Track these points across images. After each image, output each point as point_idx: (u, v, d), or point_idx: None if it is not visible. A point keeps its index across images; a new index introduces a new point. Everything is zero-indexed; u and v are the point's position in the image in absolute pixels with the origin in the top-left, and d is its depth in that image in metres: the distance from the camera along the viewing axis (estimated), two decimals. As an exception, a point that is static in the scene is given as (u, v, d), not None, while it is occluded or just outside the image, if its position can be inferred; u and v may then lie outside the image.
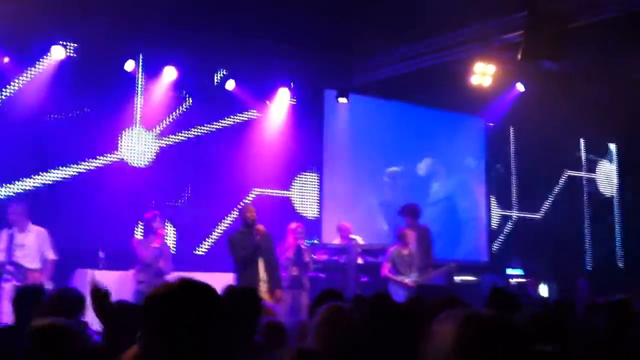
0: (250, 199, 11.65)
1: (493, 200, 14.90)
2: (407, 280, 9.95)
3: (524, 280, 12.62)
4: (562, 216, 15.38)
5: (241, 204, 10.92)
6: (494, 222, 14.88)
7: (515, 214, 15.24)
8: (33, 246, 8.68)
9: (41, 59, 10.07)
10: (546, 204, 15.52)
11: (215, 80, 11.67)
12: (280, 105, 12.29)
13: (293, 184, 12.55)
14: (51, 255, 8.80)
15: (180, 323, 2.09)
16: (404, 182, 13.55)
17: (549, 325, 3.74)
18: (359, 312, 4.12)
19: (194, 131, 11.50)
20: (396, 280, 9.95)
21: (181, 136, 11.40)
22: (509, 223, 15.14)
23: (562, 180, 15.77)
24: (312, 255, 10.19)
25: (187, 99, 11.41)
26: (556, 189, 15.68)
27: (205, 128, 11.62)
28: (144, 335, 2.12)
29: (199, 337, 2.08)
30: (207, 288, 2.22)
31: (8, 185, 9.80)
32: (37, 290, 5.14)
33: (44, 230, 8.83)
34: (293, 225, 10.10)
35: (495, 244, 14.73)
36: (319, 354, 3.15)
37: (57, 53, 10.02)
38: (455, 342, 1.74)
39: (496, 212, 14.96)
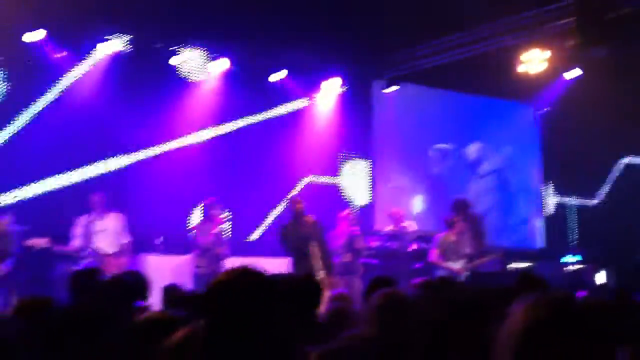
0: (301, 187, 11.84)
1: (548, 186, 14.80)
2: (455, 266, 10.01)
3: (580, 267, 12.45)
4: (620, 202, 15.17)
5: (292, 191, 11.12)
6: (550, 209, 14.78)
7: (571, 200, 15.12)
8: (112, 231, 9.04)
9: (93, 52, 10.36)
10: (603, 191, 15.34)
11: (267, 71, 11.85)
12: (330, 94, 12.40)
13: (343, 171, 12.68)
14: (126, 237, 9.16)
15: (242, 310, 2.13)
16: (454, 163, 13.62)
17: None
18: (419, 299, 4.24)
19: (246, 120, 11.72)
20: (444, 266, 10.03)
21: (233, 125, 11.62)
22: (565, 209, 15.04)
23: (619, 167, 15.54)
24: (364, 242, 10.30)
25: (239, 88, 11.58)
26: (614, 175, 15.47)
27: (256, 117, 11.80)
28: (207, 322, 2.18)
29: (259, 324, 2.13)
30: (264, 275, 2.26)
31: (75, 170, 10.22)
32: (92, 273, 5.28)
33: (121, 215, 9.20)
34: (344, 212, 10.27)
35: (551, 231, 14.64)
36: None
37: (111, 46, 10.34)
38: (525, 323, 1.70)
39: (552, 199, 14.85)
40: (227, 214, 9.48)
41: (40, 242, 8.59)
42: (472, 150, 13.93)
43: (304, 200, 9.36)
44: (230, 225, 11.18)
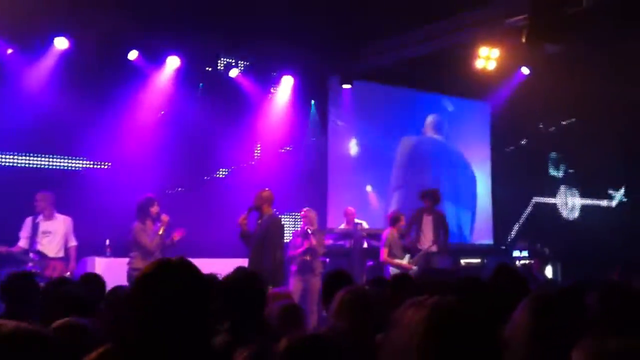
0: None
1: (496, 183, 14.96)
2: (405, 262, 10.00)
3: (528, 262, 12.63)
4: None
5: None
6: (499, 205, 14.92)
7: (518, 196, 15.33)
8: (58, 233, 8.80)
9: (43, 51, 10.11)
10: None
11: (219, 68, 11.68)
12: (283, 92, 12.30)
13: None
14: (73, 242, 8.93)
15: (154, 302, 2.11)
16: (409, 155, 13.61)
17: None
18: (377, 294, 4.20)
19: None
20: (395, 263, 9.99)
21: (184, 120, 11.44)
22: (513, 205, 15.22)
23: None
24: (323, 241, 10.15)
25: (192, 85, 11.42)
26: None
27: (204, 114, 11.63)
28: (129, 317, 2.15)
29: (173, 316, 2.10)
30: (183, 267, 2.22)
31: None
32: (27, 278, 5.09)
33: (69, 218, 8.96)
34: (302, 211, 10.13)
35: (500, 227, 14.77)
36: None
37: (60, 44, 10.05)
38: (424, 330, 1.71)
39: (501, 195, 15.01)
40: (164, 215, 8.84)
41: None
42: (426, 148, 13.96)
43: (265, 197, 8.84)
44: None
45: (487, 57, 11.48)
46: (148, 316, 2.09)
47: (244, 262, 8.42)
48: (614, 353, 1.76)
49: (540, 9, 9.11)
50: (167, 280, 2.14)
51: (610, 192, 16.50)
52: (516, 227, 14.92)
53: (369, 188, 13.17)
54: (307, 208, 10.22)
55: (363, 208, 12.38)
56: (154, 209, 8.68)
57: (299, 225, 10.14)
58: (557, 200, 15.94)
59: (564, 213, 15.87)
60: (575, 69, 12.27)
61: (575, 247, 13.61)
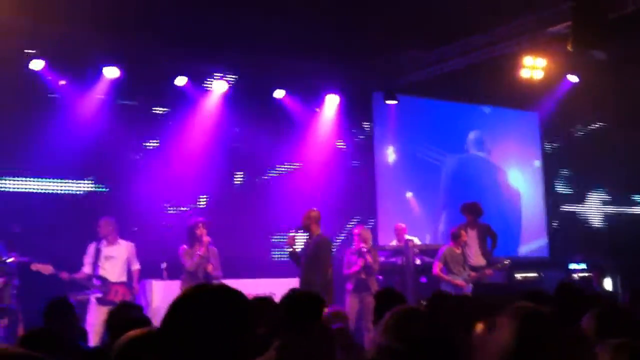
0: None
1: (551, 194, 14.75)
2: (459, 279, 9.88)
3: (587, 274, 12.39)
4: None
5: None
6: (556, 218, 14.71)
7: (574, 208, 15.09)
8: (121, 258, 8.99)
9: (94, 81, 10.41)
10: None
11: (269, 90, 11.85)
12: (329, 111, 12.39)
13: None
14: (136, 265, 9.11)
15: (185, 327, 2.07)
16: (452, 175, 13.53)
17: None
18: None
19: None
20: (446, 279, 9.90)
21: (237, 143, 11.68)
22: (569, 217, 14.99)
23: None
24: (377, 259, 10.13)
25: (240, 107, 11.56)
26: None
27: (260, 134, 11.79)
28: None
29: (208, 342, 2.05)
30: (218, 291, 2.17)
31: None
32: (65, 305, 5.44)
33: (131, 244, 9.18)
34: (356, 229, 10.15)
35: (557, 240, 14.53)
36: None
37: (110, 74, 10.31)
38: (515, 338, 1.73)
39: (557, 208, 14.81)
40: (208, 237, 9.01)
41: (44, 268, 8.51)
42: (476, 162, 13.85)
43: (313, 216, 8.94)
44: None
45: (533, 67, 11.37)
46: (178, 343, 2.06)
47: (295, 282, 8.51)
48: (544, 316, 1.79)
49: (583, 15, 9.01)
50: (199, 304, 2.11)
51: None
52: (572, 239, 14.62)
53: (409, 194, 13.10)
54: (359, 226, 10.25)
55: (413, 224, 12.32)
56: (199, 232, 8.91)
57: (352, 244, 10.14)
58: (613, 209, 15.60)
59: (622, 222, 15.51)
60: (622, 75, 12.09)
61: (635, 257, 13.29)
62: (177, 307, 2.12)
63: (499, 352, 1.75)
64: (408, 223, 11.88)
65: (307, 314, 3.80)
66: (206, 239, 8.91)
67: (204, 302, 2.11)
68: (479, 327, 2.00)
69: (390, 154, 13.07)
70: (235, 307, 2.13)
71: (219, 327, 2.07)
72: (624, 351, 1.91)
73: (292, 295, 4.07)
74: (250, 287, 7.78)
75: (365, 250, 9.66)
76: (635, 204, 15.88)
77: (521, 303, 1.86)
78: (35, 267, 8.47)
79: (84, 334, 5.88)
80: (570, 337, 1.77)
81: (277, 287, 8.00)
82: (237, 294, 2.18)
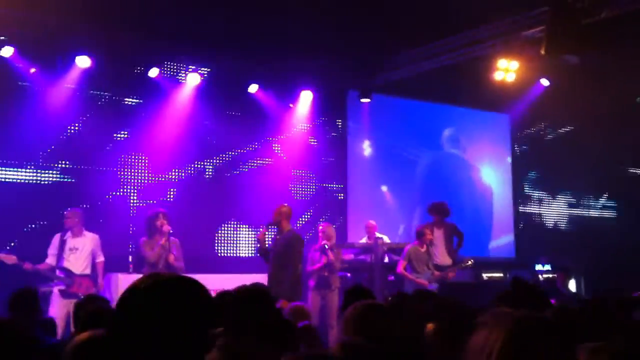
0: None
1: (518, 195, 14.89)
2: (422, 279, 9.95)
3: (552, 275, 12.53)
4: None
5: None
6: (522, 219, 14.85)
7: (541, 209, 15.26)
8: (85, 250, 8.87)
9: (65, 70, 10.25)
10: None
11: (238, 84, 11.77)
12: (302, 107, 12.37)
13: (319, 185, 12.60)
14: (101, 257, 9.00)
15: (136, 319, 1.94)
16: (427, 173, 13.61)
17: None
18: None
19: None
20: (409, 278, 9.97)
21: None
22: (536, 219, 15.15)
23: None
24: (340, 256, 10.16)
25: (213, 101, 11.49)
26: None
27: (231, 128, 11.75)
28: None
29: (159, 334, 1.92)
30: (172, 282, 2.02)
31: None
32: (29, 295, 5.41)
33: (96, 236, 9.05)
34: (320, 226, 10.14)
35: (522, 240, 14.68)
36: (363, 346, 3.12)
37: (82, 63, 10.16)
38: (504, 345, 1.73)
39: (522, 209, 14.95)
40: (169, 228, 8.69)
41: (7, 258, 8.40)
42: (446, 162, 13.92)
43: (284, 212, 8.86)
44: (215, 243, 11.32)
45: (506, 69, 11.42)
46: (127, 342, 1.93)
47: (262, 278, 8.46)
48: (534, 322, 1.79)
49: (558, 20, 9.08)
50: (149, 296, 1.95)
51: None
52: (538, 240, 14.78)
53: (384, 188, 13.13)
54: (325, 223, 10.23)
55: (387, 220, 12.35)
56: (159, 222, 8.69)
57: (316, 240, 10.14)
58: (579, 212, 15.80)
59: (587, 224, 15.72)
60: (593, 79, 12.24)
61: (598, 259, 13.48)
62: (124, 301, 1.97)
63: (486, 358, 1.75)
64: (382, 219, 11.92)
65: (255, 311, 3.73)
66: (166, 228, 8.68)
67: (154, 294, 1.95)
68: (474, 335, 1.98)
69: (364, 150, 13.11)
70: (190, 299, 1.97)
71: (171, 320, 1.92)
72: (602, 354, 1.92)
73: (240, 290, 3.98)
74: (217, 282, 7.72)
75: (327, 247, 9.65)
76: (601, 207, 16.10)
77: (502, 309, 1.83)
78: None
79: (53, 326, 5.80)
80: (559, 343, 1.77)
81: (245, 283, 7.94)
82: (192, 284, 2.02)
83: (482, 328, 1.80)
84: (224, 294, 4.46)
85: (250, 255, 11.43)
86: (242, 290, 3.89)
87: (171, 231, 8.72)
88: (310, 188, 12.39)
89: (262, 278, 8.42)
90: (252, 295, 3.86)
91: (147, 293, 1.96)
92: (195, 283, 2.03)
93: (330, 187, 12.71)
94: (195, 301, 1.99)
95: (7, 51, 9.64)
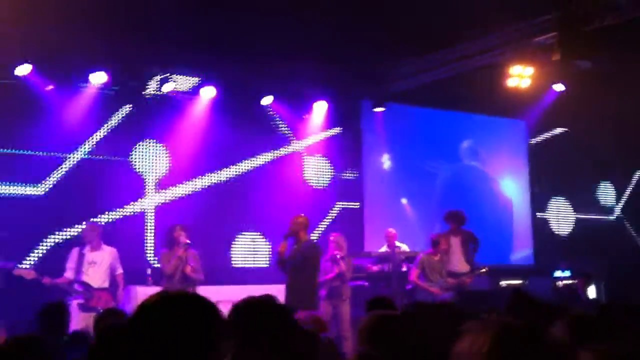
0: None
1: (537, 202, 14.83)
2: (434, 288, 9.83)
3: (572, 281, 12.40)
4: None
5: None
6: (540, 224, 14.78)
7: (558, 215, 15.19)
8: (104, 264, 8.93)
9: (81, 86, 10.40)
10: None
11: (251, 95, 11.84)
12: (317, 118, 12.43)
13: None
14: (119, 269, 9.04)
15: (146, 336, 1.99)
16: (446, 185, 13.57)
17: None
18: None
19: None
20: (422, 286, 9.86)
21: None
22: (555, 225, 15.08)
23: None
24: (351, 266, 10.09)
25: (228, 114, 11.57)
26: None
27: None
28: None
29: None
30: (179, 299, 2.07)
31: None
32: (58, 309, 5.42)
33: (114, 250, 9.11)
34: (332, 236, 10.14)
35: (541, 246, 14.60)
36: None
37: (96, 79, 10.26)
38: (490, 349, 1.73)
39: (539, 215, 14.89)
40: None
41: (27, 273, 8.48)
42: (464, 170, 13.90)
43: (302, 222, 8.89)
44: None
45: (520, 75, 11.40)
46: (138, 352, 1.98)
47: (278, 289, 8.48)
48: (518, 330, 1.79)
49: (568, 26, 9.10)
50: (160, 313, 2.00)
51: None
52: (557, 246, 14.70)
53: (404, 200, 13.13)
54: (335, 233, 10.22)
55: (404, 231, 12.31)
56: (176, 234, 8.81)
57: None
58: (598, 217, 15.70)
59: (606, 229, 15.60)
60: (607, 83, 12.19)
61: (619, 264, 13.37)
62: (133, 319, 2.04)
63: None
64: (402, 230, 11.88)
65: (266, 323, 3.68)
66: (183, 240, 8.79)
67: (160, 312, 2.00)
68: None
69: (379, 161, 13.11)
70: (192, 316, 2.01)
71: (175, 336, 1.96)
72: (607, 357, 1.92)
73: (249, 302, 3.92)
74: (234, 293, 7.71)
75: (339, 257, 9.65)
76: (620, 211, 15.99)
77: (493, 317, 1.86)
78: (18, 272, 8.46)
79: (85, 339, 5.78)
80: (549, 350, 1.77)
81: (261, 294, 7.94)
82: (195, 301, 2.06)
83: (468, 334, 1.80)
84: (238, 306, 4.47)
85: (266, 265, 11.47)
86: (252, 302, 3.86)
87: (189, 242, 8.78)
88: (327, 198, 12.42)
89: (278, 289, 8.48)
90: (263, 307, 3.83)
91: (152, 311, 2.02)
92: (200, 300, 2.08)
93: (347, 196, 12.72)
94: (198, 318, 2.02)
95: (24, 69, 9.77)
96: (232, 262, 11.50)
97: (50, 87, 10.08)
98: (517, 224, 14.41)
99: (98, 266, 8.89)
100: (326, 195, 12.51)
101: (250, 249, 11.73)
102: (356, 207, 12.78)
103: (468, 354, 1.76)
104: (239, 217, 11.61)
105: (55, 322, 5.29)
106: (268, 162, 12.02)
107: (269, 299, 3.97)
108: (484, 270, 10.68)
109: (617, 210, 15.97)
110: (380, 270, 11.07)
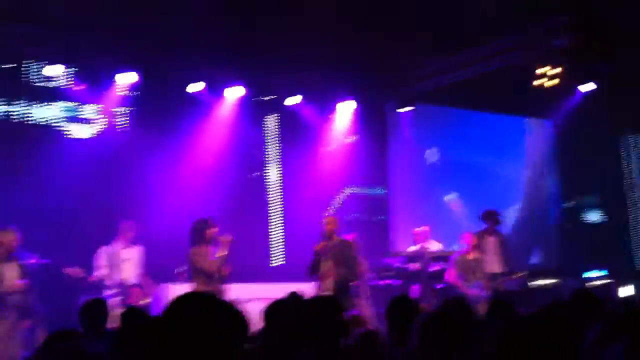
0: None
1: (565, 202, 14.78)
2: (472, 289, 9.62)
3: (604, 281, 12.26)
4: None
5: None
6: (568, 225, 14.72)
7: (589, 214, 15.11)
8: (136, 261, 9.05)
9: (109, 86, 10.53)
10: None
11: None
12: (342, 118, 12.50)
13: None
14: (141, 268, 9.13)
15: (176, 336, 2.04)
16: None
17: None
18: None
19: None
20: (460, 287, 9.69)
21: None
22: (584, 224, 15.01)
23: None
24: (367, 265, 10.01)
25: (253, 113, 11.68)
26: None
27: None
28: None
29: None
30: (210, 301, 2.14)
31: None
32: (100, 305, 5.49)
33: (142, 247, 9.20)
34: (350, 236, 10.09)
35: (570, 246, 14.52)
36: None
37: (126, 79, 10.43)
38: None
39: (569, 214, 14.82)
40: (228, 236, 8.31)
41: (74, 271, 8.60)
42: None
43: (336, 222, 8.94)
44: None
45: (546, 75, 11.37)
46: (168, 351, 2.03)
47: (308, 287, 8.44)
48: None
49: (591, 28, 9.08)
50: (191, 314, 2.07)
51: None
52: (587, 246, 14.58)
53: (450, 196, 13.16)
54: (353, 234, 10.22)
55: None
56: (210, 232, 8.22)
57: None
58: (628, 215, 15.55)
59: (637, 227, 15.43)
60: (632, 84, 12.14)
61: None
62: (163, 316, 2.09)
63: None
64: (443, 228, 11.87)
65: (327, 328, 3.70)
66: (226, 238, 8.25)
67: (189, 317, 2.07)
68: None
69: (405, 161, 13.13)
70: (221, 321, 2.08)
71: (200, 336, 2.03)
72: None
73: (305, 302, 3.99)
74: (268, 291, 7.74)
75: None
76: None
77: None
78: (67, 270, 8.56)
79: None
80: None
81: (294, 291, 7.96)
82: (222, 304, 2.14)
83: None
84: (276, 303, 4.52)
85: (295, 264, 11.51)
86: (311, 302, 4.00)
87: (231, 239, 8.29)
88: (354, 198, 12.46)
89: (307, 287, 8.49)
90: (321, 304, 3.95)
91: (182, 312, 2.09)
92: (228, 306, 2.15)
93: (373, 196, 12.76)
94: (225, 324, 2.09)
95: (57, 70, 9.96)
96: (265, 260, 11.56)
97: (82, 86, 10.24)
98: (542, 225, 14.35)
99: (131, 263, 9.00)
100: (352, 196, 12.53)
101: (280, 248, 11.79)
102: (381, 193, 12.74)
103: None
104: (269, 216, 11.64)
105: (96, 318, 5.35)
106: (297, 161, 12.08)
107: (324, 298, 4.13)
108: (524, 273, 10.60)
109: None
110: (408, 269, 11.03)
